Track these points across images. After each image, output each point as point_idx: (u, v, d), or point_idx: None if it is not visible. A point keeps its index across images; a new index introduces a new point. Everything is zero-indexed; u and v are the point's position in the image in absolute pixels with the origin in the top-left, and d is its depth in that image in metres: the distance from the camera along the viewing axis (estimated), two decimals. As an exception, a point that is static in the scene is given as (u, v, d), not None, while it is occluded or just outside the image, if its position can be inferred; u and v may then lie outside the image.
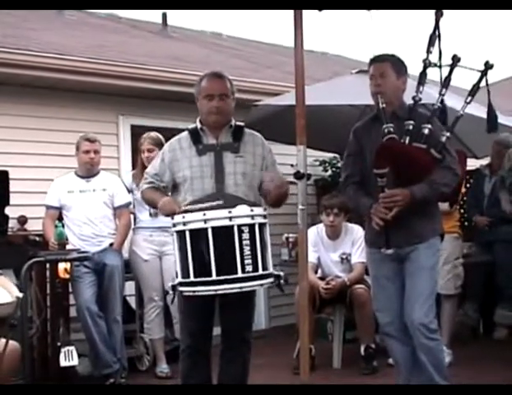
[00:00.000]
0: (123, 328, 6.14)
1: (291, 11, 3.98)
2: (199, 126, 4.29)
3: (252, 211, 3.83)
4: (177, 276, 3.90)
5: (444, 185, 4.37)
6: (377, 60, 4.54)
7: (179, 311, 4.45)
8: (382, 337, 6.46)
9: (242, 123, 4.37)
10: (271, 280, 3.88)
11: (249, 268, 3.74)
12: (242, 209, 3.82)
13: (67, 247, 5.76)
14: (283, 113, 6.66)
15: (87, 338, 5.91)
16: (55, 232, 5.72)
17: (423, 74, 4.43)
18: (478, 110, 5.14)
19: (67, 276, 5.65)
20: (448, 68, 4.40)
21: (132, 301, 6.80)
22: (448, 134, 4.35)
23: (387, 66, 4.46)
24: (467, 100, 4.43)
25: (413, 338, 4.36)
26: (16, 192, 6.25)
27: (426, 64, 4.40)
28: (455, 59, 4.39)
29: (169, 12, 12.16)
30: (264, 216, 3.91)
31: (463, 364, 5.98)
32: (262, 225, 3.87)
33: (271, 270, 3.89)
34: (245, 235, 3.75)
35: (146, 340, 6.59)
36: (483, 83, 4.45)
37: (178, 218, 3.87)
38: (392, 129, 4.29)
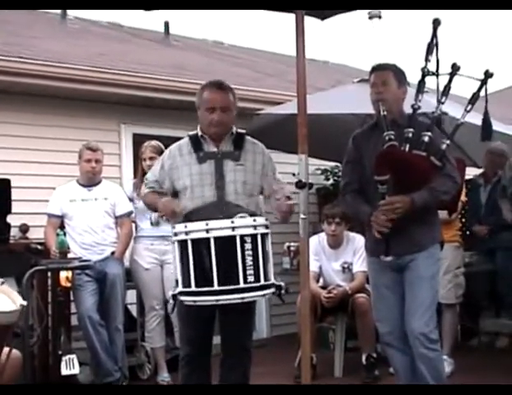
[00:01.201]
0: (124, 337, 6.15)
1: (293, 19, 3.97)
2: (200, 133, 4.27)
3: (254, 221, 3.81)
4: (177, 285, 3.88)
5: (444, 193, 4.36)
6: (379, 68, 4.54)
7: (178, 319, 4.45)
8: (383, 347, 6.46)
9: (243, 131, 4.35)
10: (272, 290, 3.87)
11: (251, 279, 3.72)
12: (245, 219, 3.81)
13: (69, 255, 5.75)
14: (285, 121, 6.65)
15: (88, 347, 5.92)
16: (57, 240, 5.72)
17: (422, 82, 4.43)
18: (479, 119, 5.15)
19: (69, 284, 5.64)
20: (447, 77, 4.40)
21: (134, 310, 6.81)
22: (448, 142, 4.35)
23: (389, 74, 4.46)
24: (467, 109, 4.43)
25: (413, 348, 4.34)
26: (17, 201, 6.27)
27: (425, 72, 4.40)
28: (455, 68, 4.39)
29: (171, 21, 12.20)
30: (266, 226, 3.89)
31: (464, 373, 5.97)
32: (264, 235, 3.85)
33: (272, 280, 3.87)
34: (248, 245, 3.73)
35: (148, 348, 6.57)
36: (483, 92, 4.46)
37: (180, 227, 3.84)
38: (393, 136, 4.28)
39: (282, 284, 3.91)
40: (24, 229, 6.77)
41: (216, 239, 3.72)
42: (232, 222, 3.74)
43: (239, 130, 4.33)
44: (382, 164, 4.25)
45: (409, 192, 4.26)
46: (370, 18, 8.37)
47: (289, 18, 4.02)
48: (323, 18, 4.26)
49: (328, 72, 12.58)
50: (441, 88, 4.41)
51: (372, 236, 4.41)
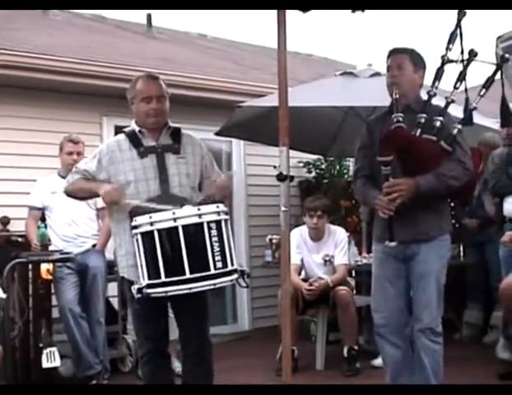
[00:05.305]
0: (105, 330, 6.14)
1: (275, 11, 3.96)
2: (137, 128, 4.25)
3: (218, 207, 3.85)
4: (140, 279, 3.82)
5: (452, 178, 4.21)
6: (395, 52, 4.46)
7: (132, 317, 4.42)
8: (368, 339, 6.50)
9: (179, 126, 4.35)
10: (237, 275, 3.89)
11: (219, 265, 3.76)
12: (209, 206, 3.84)
13: (50, 248, 5.74)
14: (266, 114, 6.65)
15: (70, 339, 5.90)
16: (38, 233, 5.71)
17: (440, 70, 4.37)
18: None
19: (50, 277, 5.63)
20: (457, 64, 4.36)
21: (115, 302, 6.78)
22: (459, 127, 4.26)
23: (405, 58, 4.39)
24: (481, 93, 4.34)
25: (416, 339, 4.31)
26: (-2, 193, 6.24)
27: (444, 60, 4.33)
28: (472, 54, 4.32)
29: (154, 13, 12.14)
30: (226, 213, 3.92)
31: (446, 366, 5.99)
32: (226, 221, 3.89)
33: (235, 265, 3.88)
34: (214, 232, 3.77)
35: (129, 341, 6.56)
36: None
37: (143, 219, 3.80)
38: (401, 119, 4.20)
39: (246, 269, 3.94)
40: (5, 221, 6.75)
41: (184, 227, 3.72)
42: (199, 209, 3.77)
43: (175, 124, 4.33)
44: (385, 144, 4.17)
45: (415, 176, 4.18)
46: (353, 11, 8.34)
47: (271, 10, 4.00)
48: (304, 10, 4.24)
49: (312, 65, 12.57)
50: (461, 77, 4.34)
51: (380, 222, 4.35)
